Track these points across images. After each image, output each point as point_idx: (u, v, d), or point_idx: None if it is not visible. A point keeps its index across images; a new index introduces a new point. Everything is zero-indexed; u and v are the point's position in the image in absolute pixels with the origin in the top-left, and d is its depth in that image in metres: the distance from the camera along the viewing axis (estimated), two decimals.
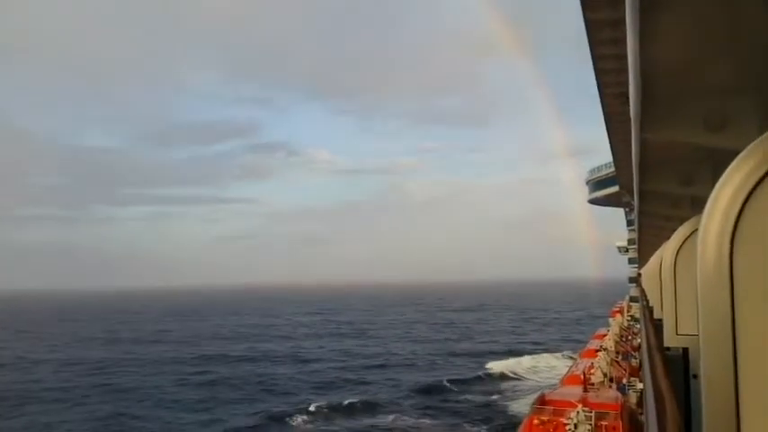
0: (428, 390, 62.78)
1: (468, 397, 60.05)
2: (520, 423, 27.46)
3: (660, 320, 6.82)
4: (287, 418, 51.38)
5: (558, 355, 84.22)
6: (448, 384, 65.30)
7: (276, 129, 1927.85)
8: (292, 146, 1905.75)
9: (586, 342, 56.77)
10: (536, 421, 24.64)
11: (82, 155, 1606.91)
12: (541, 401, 27.18)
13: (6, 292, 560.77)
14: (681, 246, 5.52)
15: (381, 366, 79.04)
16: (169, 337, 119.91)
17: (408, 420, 50.67)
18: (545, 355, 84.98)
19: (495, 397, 60.12)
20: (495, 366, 75.72)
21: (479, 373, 72.33)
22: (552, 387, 36.32)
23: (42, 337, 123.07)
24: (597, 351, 39.98)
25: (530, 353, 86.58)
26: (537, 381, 66.50)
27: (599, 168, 74.28)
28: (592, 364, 35.78)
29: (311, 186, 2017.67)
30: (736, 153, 2.12)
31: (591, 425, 22.06)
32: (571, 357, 73.44)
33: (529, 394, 56.27)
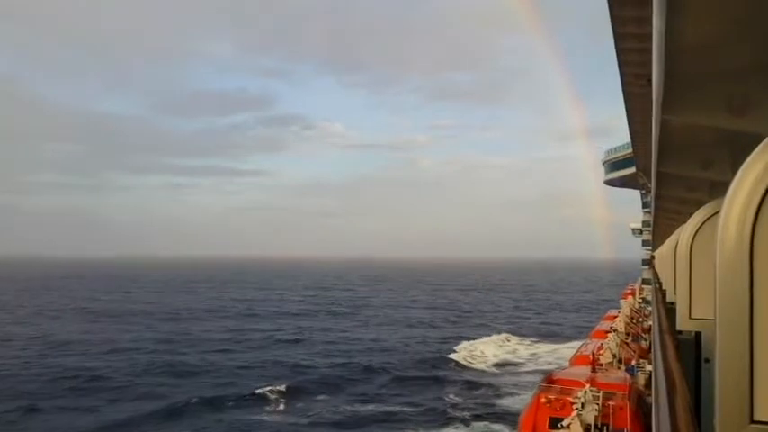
0: (403, 378, 58.36)
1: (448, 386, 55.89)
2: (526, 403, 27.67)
3: (673, 304, 6.80)
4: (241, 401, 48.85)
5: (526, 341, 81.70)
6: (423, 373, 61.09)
7: (291, 101, 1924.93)
8: (307, 119, 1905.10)
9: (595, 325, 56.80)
10: (543, 399, 24.79)
11: (97, 122, 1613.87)
12: (549, 380, 27.33)
13: (21, 258, 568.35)
14: (698, 229, 5.47)
15: (364, 350, 73.23)
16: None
17: (381, 408, 47.61)
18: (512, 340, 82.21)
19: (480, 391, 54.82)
20: (484, 350, 73.13)
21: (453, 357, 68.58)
22: (561, 366, 36.50)
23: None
24: (607, 332, 40.07)
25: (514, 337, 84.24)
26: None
27: (616, 149, 73.44)
28: (601, 344, 35.87)
29: (324, 160, 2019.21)
30: (758, 137, 2.10)
31: (598, 404, 22.16)
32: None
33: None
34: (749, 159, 2.02)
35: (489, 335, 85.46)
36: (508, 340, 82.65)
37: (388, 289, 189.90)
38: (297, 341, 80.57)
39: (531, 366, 64.61)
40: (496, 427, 42.24)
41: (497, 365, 65.99)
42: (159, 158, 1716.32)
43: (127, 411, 44.99)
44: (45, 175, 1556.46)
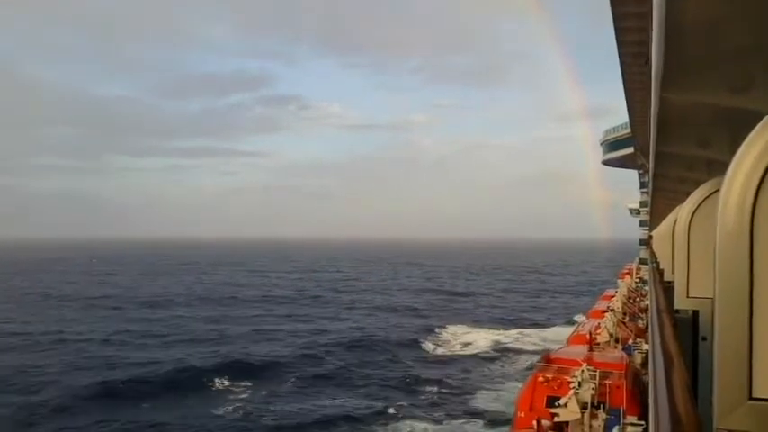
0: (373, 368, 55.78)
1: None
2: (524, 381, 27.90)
3: (670, 283, 6.81)
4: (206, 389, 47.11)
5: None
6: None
7: (289, 82, 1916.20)
8: (305, 99, 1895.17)
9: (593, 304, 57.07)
10: (541, 379, 25.02)
11: (95, 105, 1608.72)
12: (546, 359, 27.56)
13: (22, 240, 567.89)
14: (697, 207, 5.46)
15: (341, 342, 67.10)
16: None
17: (346, 404, 44.74)
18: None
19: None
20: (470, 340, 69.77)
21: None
22: (558, 346, 36.73)
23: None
24: (604, 312, 40.29)
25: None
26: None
27: (614, 129, 73.27)
28: (598, 324, 36.09)
29: (323, 141, 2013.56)
30: (758, 115, 2.08)
31: (595, 383, 22.35)
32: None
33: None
34: (750, 137, 2.01)
35: (478, 321, 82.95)
36: (494, 327, 79.11)
37: (378, 271, 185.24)
38: (271, 330, 75.58)
39: (516, 355, 61.29)
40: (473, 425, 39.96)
41: (481, 352, 63.18)
42: (158, 140, 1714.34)
43: (67, 415, 41.38)
44: (44, 158, 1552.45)
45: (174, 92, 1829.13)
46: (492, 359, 60.06)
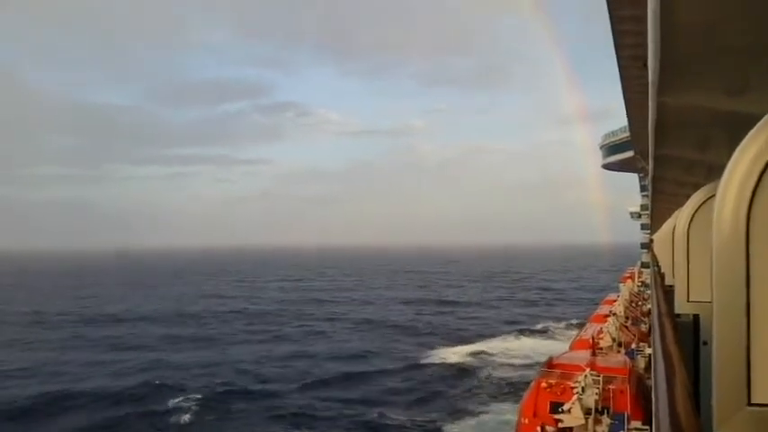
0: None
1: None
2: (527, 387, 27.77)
3: (671, 287, 6.79)
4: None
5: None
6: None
7: (287, 89, 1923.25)
8: (303, 106, 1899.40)
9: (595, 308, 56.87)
10: (543, 384, 24.89)
11: (95, 113, 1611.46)
12: (549, 365, 27.43)
13: (25, 252, 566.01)
14: (696, 211, 5.45)
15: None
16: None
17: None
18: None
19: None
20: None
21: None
22: (561, 351, 36.58)
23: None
24: (607, 316, 40.18)
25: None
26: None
27: (614, 133, 73.29)
28: (601, 328, 35.97)
29: (323, 147, 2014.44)
30: (755, 118, 2.07)
31: (598, 388, 22.25)
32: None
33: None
34: (744, 141, 2.00)
35: (470, 335, 75.95)
36: (491, 340, 72.61)
37: (372, 282, 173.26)
38: (252, 342, 71.42)
39: (509, 369, 56.12)
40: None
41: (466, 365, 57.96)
42: (158, 148, 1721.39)
43: None
44: (45, 167, 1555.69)
45: (174, 99, 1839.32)
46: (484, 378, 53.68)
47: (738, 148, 2.01)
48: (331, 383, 52.50)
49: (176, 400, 45.79)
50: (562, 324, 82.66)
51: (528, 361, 56.61)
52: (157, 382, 51.03)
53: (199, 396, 46.64)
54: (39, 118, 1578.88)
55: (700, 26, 4.40)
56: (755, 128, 2.00)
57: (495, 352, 64.00)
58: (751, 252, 1.94)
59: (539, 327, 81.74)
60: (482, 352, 64.18)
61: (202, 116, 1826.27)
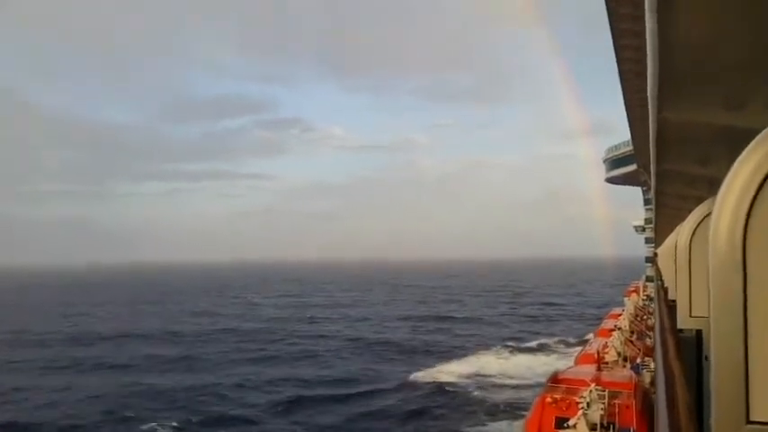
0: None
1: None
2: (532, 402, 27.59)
3: (674, 301, 6.77)
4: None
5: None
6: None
7: (289, 104, 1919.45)
8: (306, 122, 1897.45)
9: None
10: (549, 399, 24.74)
11: (97, 130, 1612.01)
12: (554, 380, 27.27)
13: (26, 268, 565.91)
14: (696, 226, 5.44)
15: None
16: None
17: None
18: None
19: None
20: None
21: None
22: (566, 366, 36.35)
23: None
24: (612, 330, 39.98)
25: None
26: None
27: (617, 147, 73.39)
28: (606, 343, 35.80)
29: (325, 162, 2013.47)
30: (755, 132, 2.08)
31: (604, 403, 22.10)
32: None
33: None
34: (741, 157, 2.00)
35: (468, 353, 71.65)
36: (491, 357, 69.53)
37: (370, 298, 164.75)
38: (233, 362, 67.82)
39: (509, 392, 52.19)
40: None
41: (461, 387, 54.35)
42: (160, 164, 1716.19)
43: None
44: (46, 183, 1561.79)
45: (176, 115, 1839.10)
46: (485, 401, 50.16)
47: (735, 164, 2.01)
48: (317, 407, 49.59)
49: (147, 427, 42.88)
50: (561, 340, 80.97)
51: (526, 381, 54.26)
52: (130, 407, 48.07)
53: (174, 424, 43.47)
54: (40, 134, 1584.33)
55: (698, 42, 4.43)
56: (753, 143, 2.00)
57: (491, 371, 61.47)
58: (748, 267, 1.94)
59: (537, 343, 79.12)
60: (479, 370, 61.65)
61: (205, 132, 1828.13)
